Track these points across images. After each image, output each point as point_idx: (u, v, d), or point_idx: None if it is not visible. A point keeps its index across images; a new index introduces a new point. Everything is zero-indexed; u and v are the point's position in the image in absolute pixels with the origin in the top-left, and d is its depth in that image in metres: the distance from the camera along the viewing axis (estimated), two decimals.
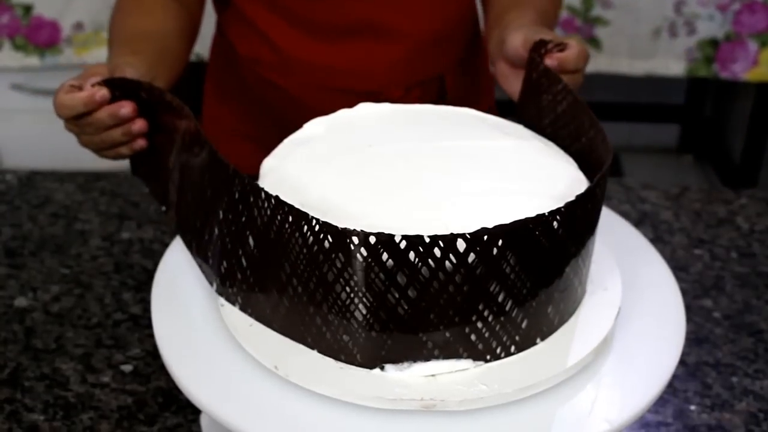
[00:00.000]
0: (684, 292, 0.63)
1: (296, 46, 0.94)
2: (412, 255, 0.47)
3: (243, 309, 0.57)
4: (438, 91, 0.99)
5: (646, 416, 0.70)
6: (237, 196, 0.53)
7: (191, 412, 0.69)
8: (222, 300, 0.58)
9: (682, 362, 0.75)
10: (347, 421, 0.51)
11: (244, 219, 0.53)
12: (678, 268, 0.87)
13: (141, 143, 0.73)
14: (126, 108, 0.70)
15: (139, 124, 0.71)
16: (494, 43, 0.79)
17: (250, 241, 0.54)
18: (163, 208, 0.69)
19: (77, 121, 0.72)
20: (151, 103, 0.70)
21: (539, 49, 0.69)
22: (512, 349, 0.53)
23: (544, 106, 0.67)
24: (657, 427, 0.69)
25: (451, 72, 1.00)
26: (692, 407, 0.71)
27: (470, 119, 0.66)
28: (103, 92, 0.70)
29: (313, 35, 0.94)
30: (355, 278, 0.49)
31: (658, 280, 0.64)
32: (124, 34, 0.87)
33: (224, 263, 0.57)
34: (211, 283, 0.59)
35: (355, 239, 0.47)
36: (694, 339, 0.78)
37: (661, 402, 0.71)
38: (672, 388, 0.72)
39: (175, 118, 0.65)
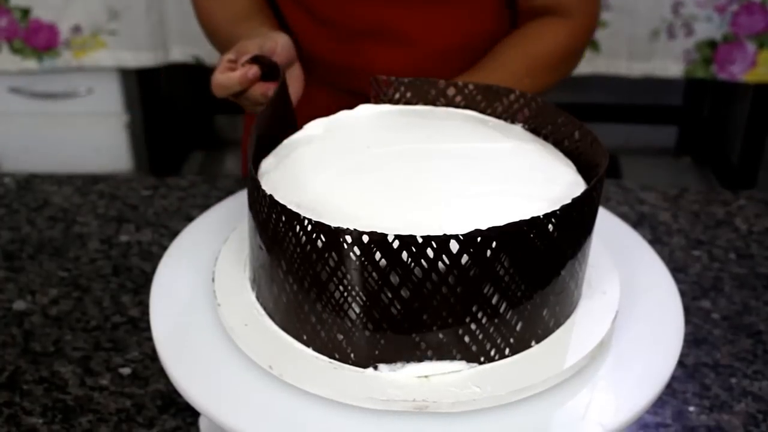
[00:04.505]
0: (682, 294, 0.63)
1: (317, 44, 0.96)
2: (404, 255, 0.47)
3: (257, 298, 0.58)
4: None
5: (645, 417, 0.70)
6: (252, 190, 0.55)
7: (190, 415, 0.69)
8: (219, 299, 0.58)
9: (681, 363, 0.75)
10: (340, 421, 0.51)
11: (253, 213, 0.55)
12: (676, 270, 0.87)
13: None
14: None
15: None
16: None
17: (259, 235, 0.54)
18: None
19: (235, 97, 0.76)
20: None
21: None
22: (506, 351, 0.53)
23: None
24: (656, 429, 0.69)
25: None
26: (691, 408, 0.71)
27: (471, 121, 0.66)
28: (254, 70, 0.74)
29: (332, 34, 0.95)
30: (348, 277, 0.49)
31: (657, 281, 0.64)
32: (242, 12, 0.92)
33: (249, 252, 0.59)
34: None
35: (348, 238, 0.48)
36: (692, 340, 0.78)
37: (659, 403, 0.71)
38: (671, 390, 0.72)
39: None
